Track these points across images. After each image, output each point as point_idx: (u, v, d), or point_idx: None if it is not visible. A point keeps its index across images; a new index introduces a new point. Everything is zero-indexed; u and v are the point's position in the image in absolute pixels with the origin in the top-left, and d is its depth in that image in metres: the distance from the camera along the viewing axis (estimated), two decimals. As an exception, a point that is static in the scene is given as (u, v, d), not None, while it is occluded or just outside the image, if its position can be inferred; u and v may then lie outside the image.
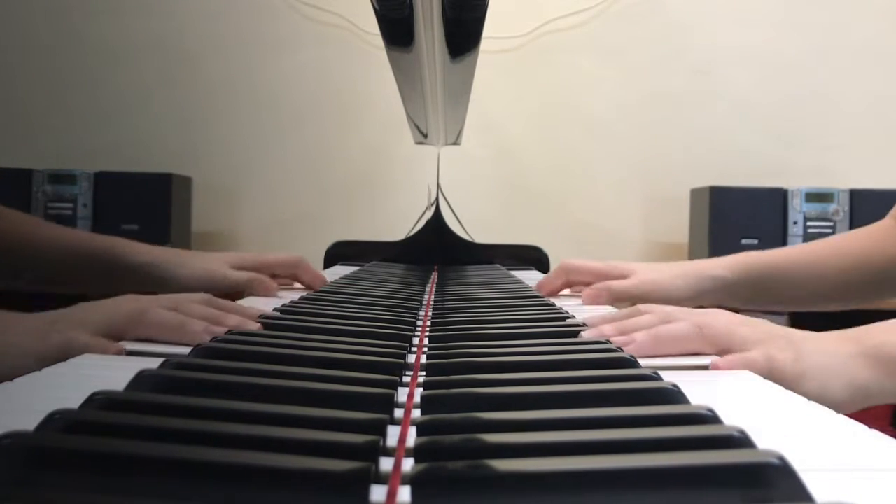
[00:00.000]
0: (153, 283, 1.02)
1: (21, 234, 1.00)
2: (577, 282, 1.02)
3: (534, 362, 0.47)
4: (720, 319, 0.59)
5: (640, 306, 0.64)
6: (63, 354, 0.52)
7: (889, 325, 0.59)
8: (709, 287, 0.97)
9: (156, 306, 0.59)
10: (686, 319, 0.58)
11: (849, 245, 1.00)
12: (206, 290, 0.97)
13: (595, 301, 0.96)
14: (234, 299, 0.75)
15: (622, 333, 0.58)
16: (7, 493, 0.24)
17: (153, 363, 0.42)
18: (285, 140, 2.53)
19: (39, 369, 0.47)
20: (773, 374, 0.52)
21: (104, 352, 0.54)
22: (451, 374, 0.44)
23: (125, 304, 0.60)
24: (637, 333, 0.57)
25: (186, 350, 0.50)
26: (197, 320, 0.58)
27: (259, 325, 0.60)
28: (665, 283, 0.98)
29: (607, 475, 0.25)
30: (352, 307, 0.74)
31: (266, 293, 0.99)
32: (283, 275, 1.07)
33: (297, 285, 1.09)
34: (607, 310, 0.86)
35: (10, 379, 0.44)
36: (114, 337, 0.56)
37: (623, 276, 0.99)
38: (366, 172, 2.51)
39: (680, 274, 0.99)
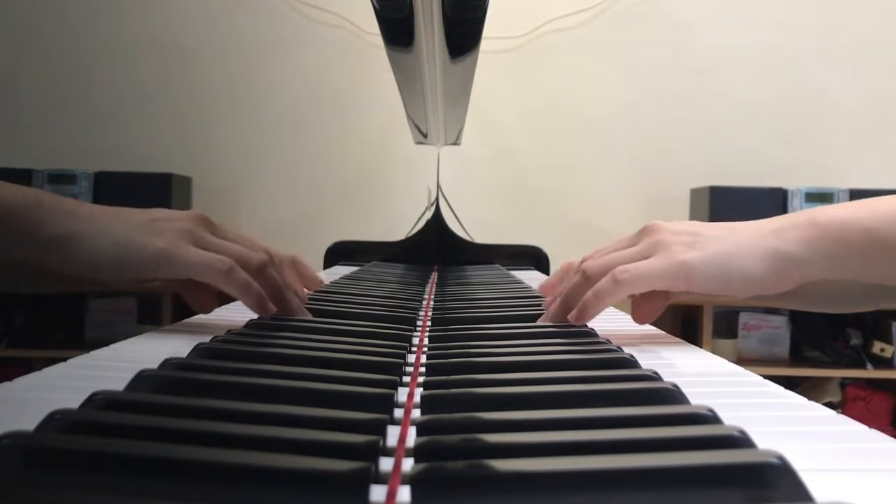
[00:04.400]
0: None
1: None
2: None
3: (533, 362, 0.47)
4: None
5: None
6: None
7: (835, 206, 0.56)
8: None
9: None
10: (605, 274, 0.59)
11: None
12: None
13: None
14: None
15: (568, 308, 0.60)
16: (7, 493, 0.24)
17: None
18: (285, 140, 2.53)
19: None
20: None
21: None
22: (451, 374, 0.43)
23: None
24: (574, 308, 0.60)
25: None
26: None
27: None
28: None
29: (607, 475, 0.25)
30: (351, 307, 0.74)
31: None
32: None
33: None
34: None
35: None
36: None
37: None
38: (366, 173, 2.51)
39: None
